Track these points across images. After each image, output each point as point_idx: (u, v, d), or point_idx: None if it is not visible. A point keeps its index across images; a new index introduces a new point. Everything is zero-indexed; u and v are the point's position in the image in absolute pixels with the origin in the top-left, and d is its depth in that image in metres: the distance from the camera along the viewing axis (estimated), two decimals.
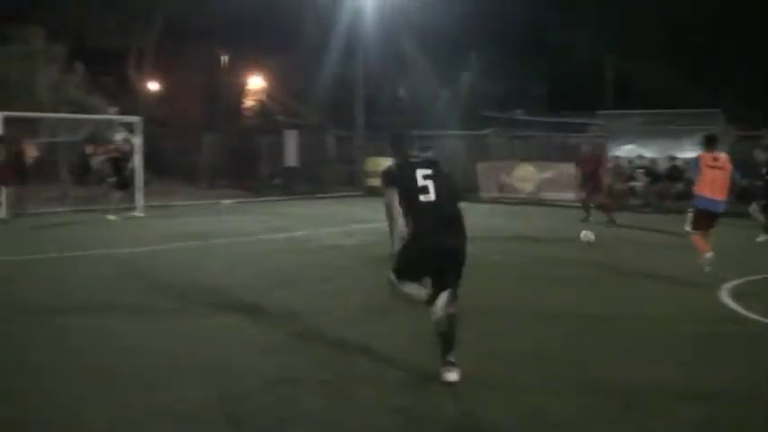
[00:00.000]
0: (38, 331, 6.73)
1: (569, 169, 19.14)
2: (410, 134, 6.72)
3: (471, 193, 24.69)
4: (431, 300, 5.35)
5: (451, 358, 5.29)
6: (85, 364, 5.72)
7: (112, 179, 16.97)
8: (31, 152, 18.43)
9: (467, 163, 25.56)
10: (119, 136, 17.87)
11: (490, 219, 16.96)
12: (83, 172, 22.33)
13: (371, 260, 11.28)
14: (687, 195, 21.86)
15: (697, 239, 9.86)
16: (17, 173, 17.01)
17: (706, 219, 9.76)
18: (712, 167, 9.72)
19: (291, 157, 27.99)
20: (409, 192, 5.38)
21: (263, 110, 39.87)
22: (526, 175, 23.65)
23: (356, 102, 29.09)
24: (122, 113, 24.51)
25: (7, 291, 8.71)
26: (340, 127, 31.02)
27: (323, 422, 4.65)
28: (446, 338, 5.33)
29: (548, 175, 22.82)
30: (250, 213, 16.59)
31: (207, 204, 20.51)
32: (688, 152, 23.41)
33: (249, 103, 42.21)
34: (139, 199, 18.62)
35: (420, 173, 5.48)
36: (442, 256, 5.36)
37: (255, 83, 42.85)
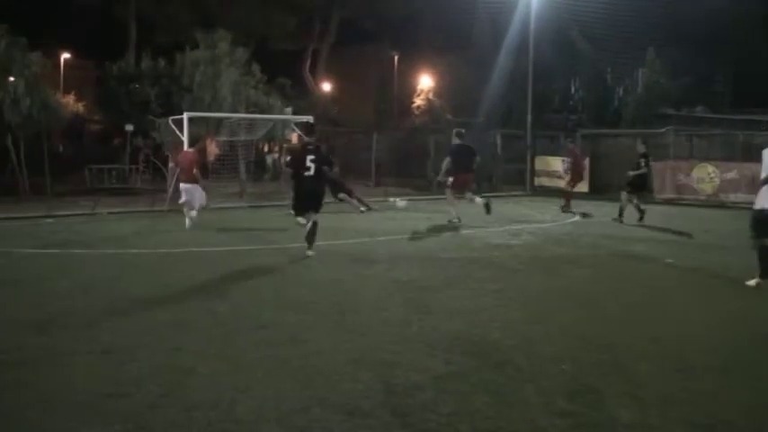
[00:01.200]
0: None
1: (753, 169, 17.99)
2: (312, 126, 12.25)
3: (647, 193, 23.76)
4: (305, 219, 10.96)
5: (310, 249, 10.81)
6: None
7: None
8: (213, 150, 19.52)
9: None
10: (293, 134, 18.58)
11: (666, 220, 16.25)
12: (258, 169, 23.47)
13: (536, 260, 11.12)
14: None
15: None
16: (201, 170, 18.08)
17: None
18: None
19: None
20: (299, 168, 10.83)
21: (431, 109, 40.13)
22: (706, 176, 22.46)
23: (525, 100, 28.73)
24: (297, 113, 25.50)
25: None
26: (509, 125, 30.74)
27: (488, 421, 4.61)
28: (310, 235, 10.81)
29: (730, 175, 21.57)
30: (417, 211, 16.78)
31: (377, 202, 20.93)
32: None
33: (418, 102, 42.63)
34: None
35: (308, 157, 10.75)
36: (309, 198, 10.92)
37: (425, 82, 43.21)
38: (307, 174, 10.70)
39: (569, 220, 17.14)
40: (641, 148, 16.79)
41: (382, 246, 12.42)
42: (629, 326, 7.06)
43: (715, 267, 10.41)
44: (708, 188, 22.37)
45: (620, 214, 16.39)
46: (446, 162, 15.93)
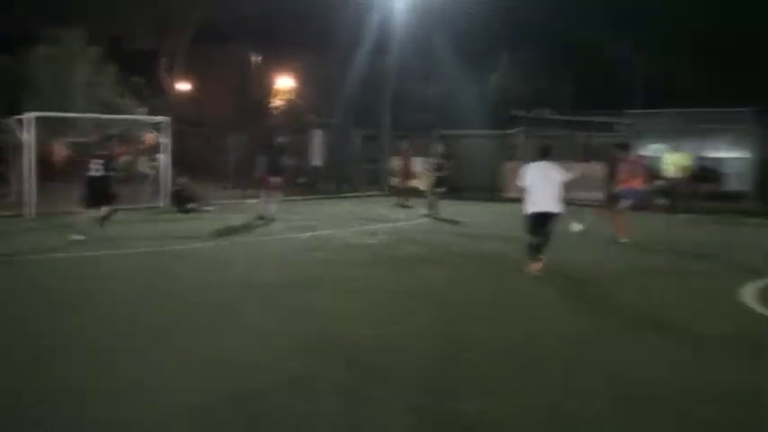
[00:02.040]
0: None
1: (594, 169, 19.09)
2: None
3: (497, 192, 24.71)
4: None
5: None
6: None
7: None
8: (60, 152, 18.74)
9: (494, 162, 25.55)
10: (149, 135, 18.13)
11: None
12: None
13: (392, 259, 11.36)
14: (718, 196, 21.92)
15: None
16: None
17: None
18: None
19: (317, 157, 28.12)
20: None
21: (290, 109, 40.01)
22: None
23: (382, 101, 29.13)
24: (153, 114, 24.82)
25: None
26: (368, 126, 31.07)
27: (340, 420, 4.69)
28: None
29: (574, 175, 22.70)
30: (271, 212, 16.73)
31: (233, 204, 20.70)
32: (718, 151, 23.25)
33: (277, 102, 42.37)
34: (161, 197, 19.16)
35: None
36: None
37: (285, 83, 43.02)
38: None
39: (421, 220, 17.57)
40: (440, 149, 18.74)
41: (238, 248, 12.34)
42: (481, 323, 7.34)
43: (562, 264, 10.97)
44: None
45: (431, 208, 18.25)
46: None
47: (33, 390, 5.12)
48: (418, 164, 26.19)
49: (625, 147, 13.69)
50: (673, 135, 22.18)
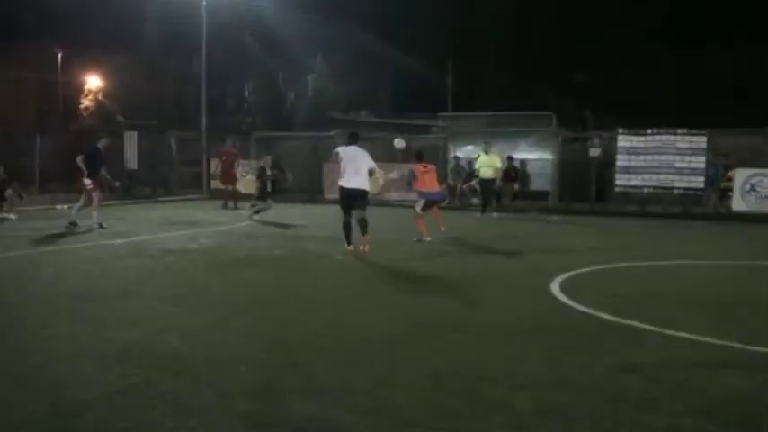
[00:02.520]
0: None
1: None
2: None
3: (317, 194, 24.89)
4: None
5: None
6: None
7: None
8: None
9: (313, 164, 25.67)
10: None
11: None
12: None
13: (213, 264, 11.14)
14: (523, 195, 23.29)
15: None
16: None
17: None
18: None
19: (132, 160, 27.09)
20: None
21: (101, 110, 38.31)
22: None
23: (200, 103, 28.56)
24: None
25: None
26: (183, 128, 30.34)
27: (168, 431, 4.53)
28: None
29: (392, 175, 23.22)
30: (87, 218, 15.86)
31: (40, 210, 19.51)
32: (523, 152, 24.63)
33: (87, 103, 40.45)
34: None
35: None
36: None
37: (93, 82, 41.13)
38: None
39: (244, 223, 17.39)
40: (269, 161, 19.12)
41: (41, 257, 11.65)
42: (306, 323, 7.33)
43: (389, 259, 11.19)
44: (374, 187, 23.83)
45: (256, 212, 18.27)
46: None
47: None
48: (240, 166, 25.90)
49: (419, 155, 14.97)
50: (483, 137, 23.19)
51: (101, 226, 15.35)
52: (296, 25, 31.72)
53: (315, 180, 25.36)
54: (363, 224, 12.01)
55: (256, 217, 17.97)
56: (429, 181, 14.34)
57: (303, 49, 33.25)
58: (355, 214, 12.06)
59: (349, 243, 12.04)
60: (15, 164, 27.22)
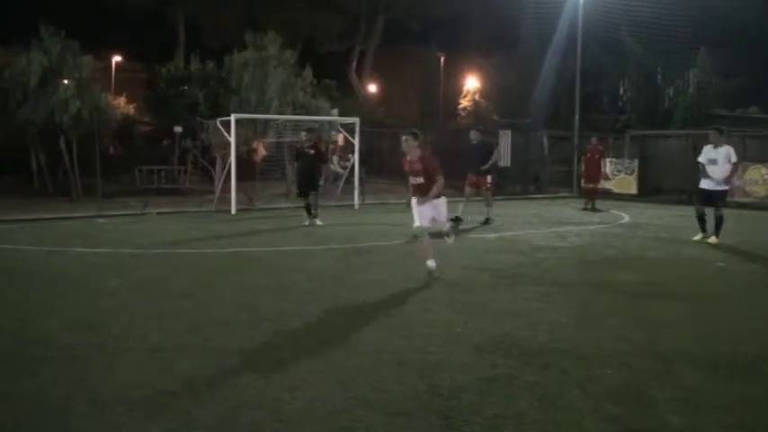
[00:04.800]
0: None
1: None
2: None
3: (694, 195, 23.41)
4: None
5: None
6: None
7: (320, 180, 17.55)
8: (261, 151, 19.74)
9: (690, 163, 24.19)
10: (304, 135, 18.28)
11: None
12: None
13: (582, 262, 11.00)
14: None
15: None
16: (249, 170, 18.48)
17: None
18: None
19: (505, 157, 27.84)
20: None
21: (477, 110, 39.94)
22: (759, 177, 21.95)
23: (573, 100, 28.45)
24: (342, 115, 25.61)
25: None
26: (557, 126, 30.46)
27: (534, 424, 4.56)
28: None
29: None
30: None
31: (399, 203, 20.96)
32: None
33: (464, 103, 42.45)
34: (355, 197, 19.71)
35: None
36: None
37: (471, 83, 43.03)
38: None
39: (617, 222, 16.94)
40: None
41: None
42: (682, 332, 6.92)
43: None
44: (761, 190, 21.87)
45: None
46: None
47: None
48: (607, 165, 25.40)
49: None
50: None
51: (487, 221, 15.93)
52: (676, 17, 30.13)
53: (692, 180, 23.82)
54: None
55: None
56: None
57: (685, 43, 31.44)
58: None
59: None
60: (400, 160, 29.56)
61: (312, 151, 15.50)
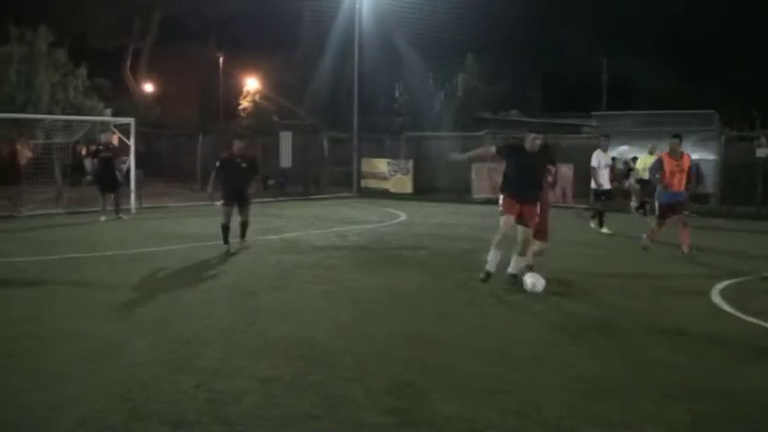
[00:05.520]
0: None
1: (564, 170, 19.28)
2: None
3: (465, 193, 24.87)
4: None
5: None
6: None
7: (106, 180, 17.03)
8: (26, 153, 18.46)
9: (462, 164, 25.61)
10: (103, 136, 17.90)
11: (484, 220, 16.95)
12: (75, 173, 22.47)
13: (362, 260, 11.33)
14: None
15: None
16: (12, 174, 17.17)
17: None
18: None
19: (286, 159, 28.01)
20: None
21: (258, 111, 39.85)
22: None
23: (351, 103, 29.08)
24: (117, 115, 24.58)
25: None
26: (335, 128, 31.04)
27: (318, 422, 4.65)
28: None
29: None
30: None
31: (201, 206, 20.48)
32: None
33: (245, 103, 42.17)
34: (132, 200, 18.92)
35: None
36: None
37: (251, 84, 42.80)
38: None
39: (395, 221, 17.58)
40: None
41: (200, 251, 12.23)
42: (447, 322, 7.34)
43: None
44: None
45: None
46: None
47: None
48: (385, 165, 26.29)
49: None
50: (638, 137, 22.39)
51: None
52: (446, 24, 31.76)
53: (463, 180, 25.28)
54: None
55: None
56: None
57: (453, 49, 33.23)
58: None
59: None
60: (180, 162, 28.84)
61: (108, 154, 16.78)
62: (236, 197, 12.06)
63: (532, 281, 8.69)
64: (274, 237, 14.22)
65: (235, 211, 12.08)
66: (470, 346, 6.41)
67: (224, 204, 12.17)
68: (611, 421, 4.69)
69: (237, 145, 12.57)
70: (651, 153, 18.74)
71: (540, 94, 38.25)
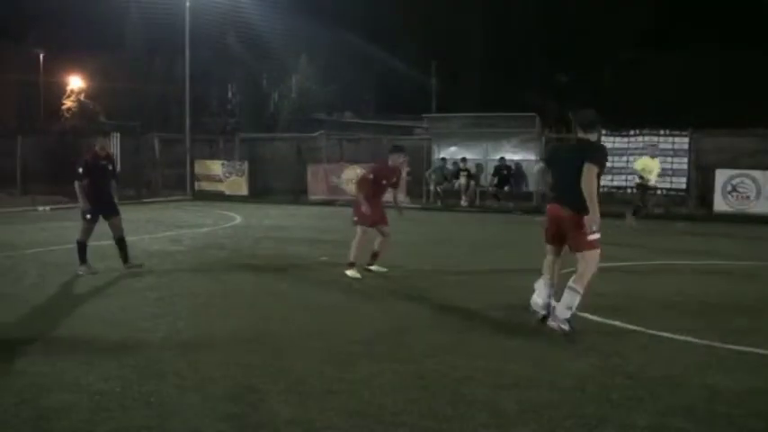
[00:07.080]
0: None
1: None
2: None
3: (301, 194, 24.93)
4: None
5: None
6: None
7: None
8: None
9: (297, 165, 25.68)
10: None
11: (320, 221, 17.08)
12: None
13: (197, 266, 11.10)
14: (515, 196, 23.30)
15: None
16: None
17: None
18: None
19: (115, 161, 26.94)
20: None
21: (83, 111, 38.06)
22: (354, 177, 23.91)
23: (183, 103, 28.42)
24: None
25: None
26: (167, 129, 30.22)
27: None
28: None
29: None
30: (69, 220, 15.72)
31: (22, 211, 19.35)
32: (507, 154, 24.68)
33: (69, 104, 40.18)
34: None
35: None
36: None
37: (75, 83, 40.87)
38: None
39: (230, 224, 17.34)
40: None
41: (22, 258, 11.57)
42: (288, 325, 7.32)
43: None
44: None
45: None
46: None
47: None
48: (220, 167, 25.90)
49: None
50: (465, 138, 23.20)
51: None
52: (279, 25, 31.68)
53: (299, 181, 25.33)
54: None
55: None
56: None
57: (287, 50, 33.18)
58: None
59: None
60: None
61: None
62: (105, 208, 10.45)
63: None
64: (105, 243, 13.62)
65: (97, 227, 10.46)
66: (309, 347, 6.41)
67: (90, 220, 10.37)
68: (447, 414, 4.84)
69: (101, 143, 10.75)
70: (653, 157, 18.28)
71: (374, 96, 38.92)
